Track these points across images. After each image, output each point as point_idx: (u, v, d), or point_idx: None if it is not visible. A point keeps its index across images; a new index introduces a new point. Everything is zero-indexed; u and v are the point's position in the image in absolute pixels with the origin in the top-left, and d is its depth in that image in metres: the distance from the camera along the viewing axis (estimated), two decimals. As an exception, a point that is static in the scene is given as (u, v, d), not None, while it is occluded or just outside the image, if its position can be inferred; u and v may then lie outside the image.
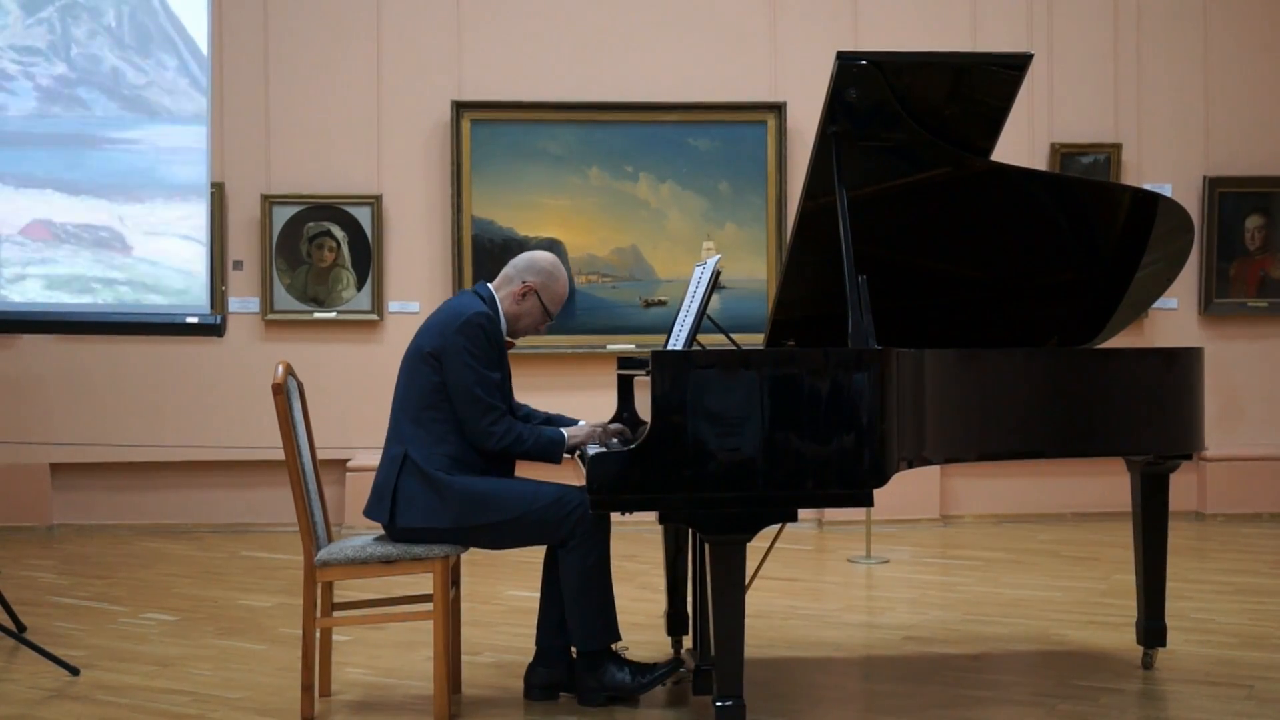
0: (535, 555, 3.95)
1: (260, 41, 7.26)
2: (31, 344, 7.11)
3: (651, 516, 3.58)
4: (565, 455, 3.86)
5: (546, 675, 3.89)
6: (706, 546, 3.40)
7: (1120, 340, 4.34)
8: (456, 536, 3.76)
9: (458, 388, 3.74)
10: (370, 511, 3.82)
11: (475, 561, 5.53)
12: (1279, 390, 7.56)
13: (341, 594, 4.10)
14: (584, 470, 3.51)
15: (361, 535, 3.96)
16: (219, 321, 5.26)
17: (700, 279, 3.92)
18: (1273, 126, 7.55)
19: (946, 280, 4.25)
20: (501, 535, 3.78)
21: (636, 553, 6.27)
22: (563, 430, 3.87)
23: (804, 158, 4.10)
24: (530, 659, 3.94)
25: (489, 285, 3.96)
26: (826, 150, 3.73)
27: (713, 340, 4.10)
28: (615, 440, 3.92)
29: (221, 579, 5.93)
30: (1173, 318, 7.48)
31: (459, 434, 3.77)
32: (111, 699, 3.96)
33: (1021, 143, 7.22)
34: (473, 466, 3.78)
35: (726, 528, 3.36)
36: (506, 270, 3.99)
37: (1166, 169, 7.47)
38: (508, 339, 3.95)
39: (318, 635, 3.80)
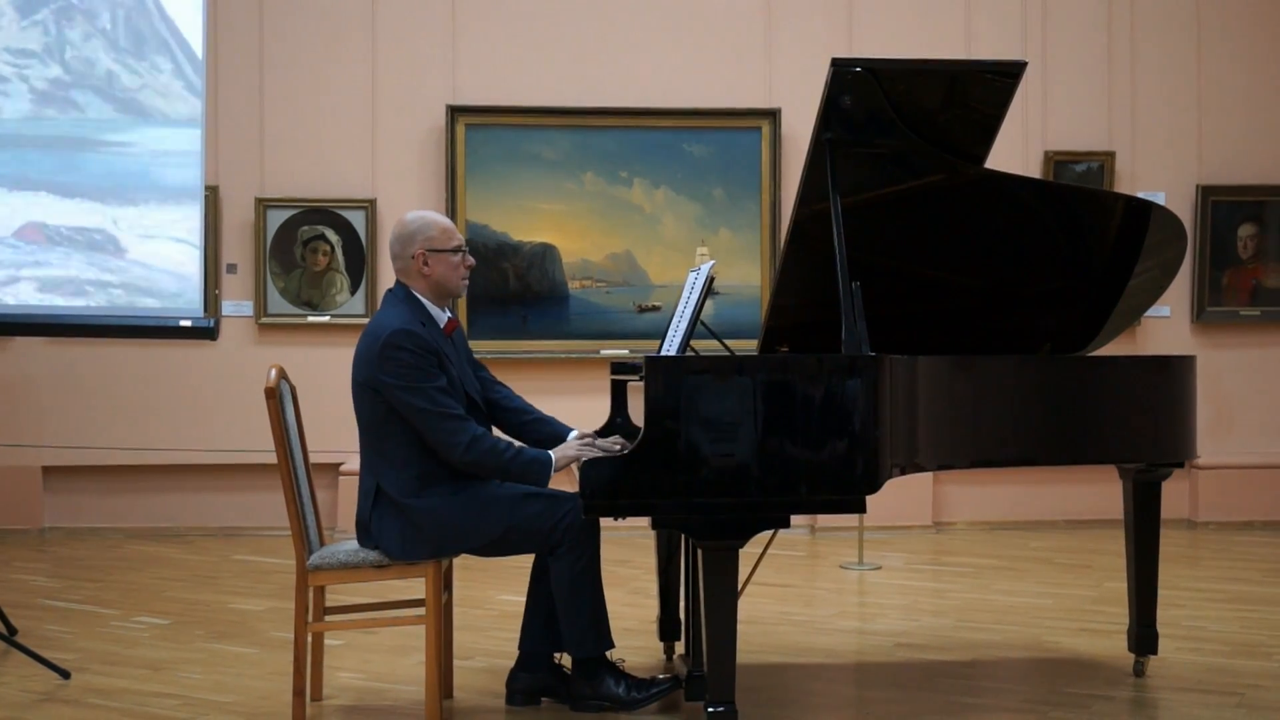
0: (527, 560, 3.94)
1: (255, 45, 7.26)
2: (24, 347, 7.10)
3: (644, 522, 3.59)
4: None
5: (528, 680, 3.88)
6: (699, 552, 3.40)
7: (1113, 348, 4.35)
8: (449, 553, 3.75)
9: (407, 412, 3.61)
10: (359, 538, 3.81)
11: (468, 566, 5.52)
12: (1271, 399, 7.57)
13: (334, 598, 4.09)
14: (576, 475, 3.50)
15: (354, 539, 3.95)
16: (212, 325, 5.25)
17: (694, 284, 3.92)
18: (1266, 135, 7.56)
19: (940, 287, 4.26)
20: (489, 550, 3.77)
21: (629, 558, 6.27)
22: (550, 452, 3.69)
23: (798, 164, 4.10)
24: (518, 665, 3.94)
25: (400, 283, 3.82)
26: (821, 157, 3.74)
27: (706, 346, 4.10)
28: (618, 448, 3.85)
29: (213, 583, 5.91)
30: (1165, 326, 7.49)
31: (423, 452, 3.66)
32: (102, 703, 3.95)
33: (1015, 150, 7.24)
34: (447, 480, 3.69)
35: (719, 533, 3.37)
36: (394, 265, 3.82)
37: (1160, 177, 7.48)
38: (449, 319, 3.81)
39: (310, 640, 3.80)
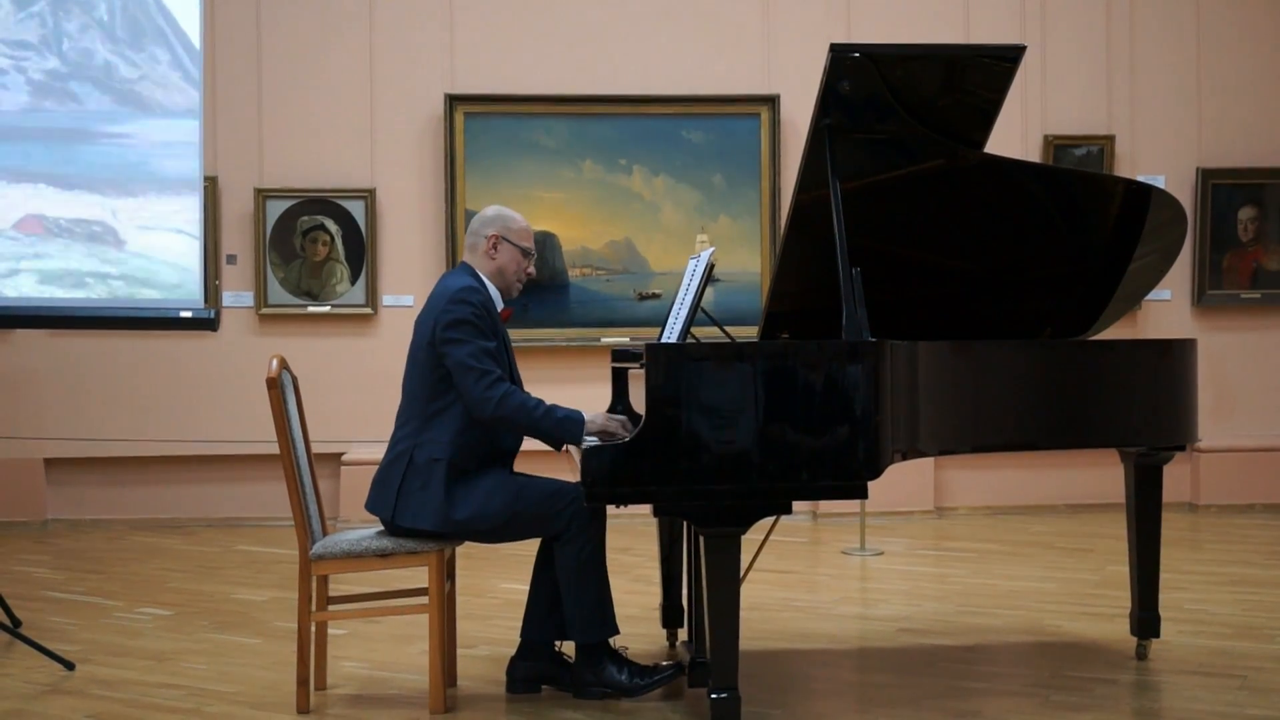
0: (530, 548, 3.95)
1: (253, 35, 7.24)
2: (25, 339, 7.10)
3: (646, 509, 3.59)
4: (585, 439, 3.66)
5: (529, 668, 3.89)
6: (701, 539, 3.41)
7: (1113, 332, 4.34)
8: (453, 537, 3.77)
9: (454, 365, 3.68)
10: (372, 506, 3.81)
11: (470, 555, 5.53)
12: (1272, 381, 7.57)
13: (337, 588, 4.10)
14: (578, 464, 3.50)
15: (356, 529, 3.96)
16: (213, 316, 5.25)
17: (694, 272, 3.92)
18: (1266, 118, 7.55)
19: (940, 272, 4.25)
20: (497, 534, 3.79)
21: (631, 545, 6.27)
22: (583, 412, 3.70)
23: (798, 150, 4.10)
24: (520, 652, 3.95)
25: (465, 264, 3.93)
26: (820, 143, 3.73)
27: (707, 333, 4.10)
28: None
29: (216, 573, 5.92)
30: (1166, 309, 7.49)
31: (461, 429, 3.72)
32: (107, 694, 3.96)
33: (1015, 135, 7.23)
34: (474, 461, 3.74)
35: (721, 520, 3.37)
36: (466, 241, 3.97)
37: (1160, 161, 7.47)
38: (504, 308, 3.89)
39: (313, 629, 3.80)
